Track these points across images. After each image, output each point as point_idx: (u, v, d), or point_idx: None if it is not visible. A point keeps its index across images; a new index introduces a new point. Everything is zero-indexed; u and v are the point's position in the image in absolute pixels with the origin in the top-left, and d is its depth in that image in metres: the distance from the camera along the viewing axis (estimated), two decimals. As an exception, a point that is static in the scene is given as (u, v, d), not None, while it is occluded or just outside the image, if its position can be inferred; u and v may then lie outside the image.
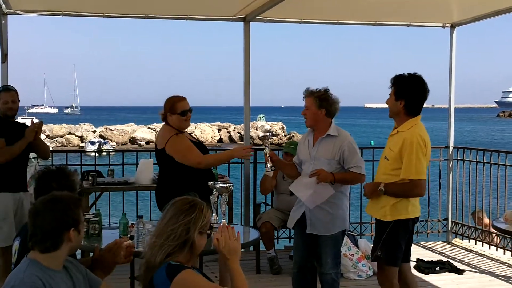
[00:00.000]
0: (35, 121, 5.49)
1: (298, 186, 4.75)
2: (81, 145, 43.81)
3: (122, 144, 44.89)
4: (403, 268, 4.44)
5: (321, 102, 4.64)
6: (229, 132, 50.52)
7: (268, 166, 4.66)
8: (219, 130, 51.13)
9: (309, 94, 4.70)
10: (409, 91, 4.20)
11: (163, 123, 4.95)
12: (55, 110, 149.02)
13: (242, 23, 7.26)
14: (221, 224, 2.93)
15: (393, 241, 4.24)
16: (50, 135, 44.60)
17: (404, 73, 4.26)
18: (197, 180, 4.78)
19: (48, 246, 2.70)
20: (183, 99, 4.91)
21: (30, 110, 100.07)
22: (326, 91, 4.71)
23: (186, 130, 5.02)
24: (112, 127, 48.27)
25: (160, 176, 5.07)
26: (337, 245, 4.76)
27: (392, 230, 4.23)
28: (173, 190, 4.64)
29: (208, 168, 5.01)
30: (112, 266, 3.20)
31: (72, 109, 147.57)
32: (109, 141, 43.57)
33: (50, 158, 6.50)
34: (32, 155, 5.83)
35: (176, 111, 4.84)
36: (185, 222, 2.79)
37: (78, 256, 5.61)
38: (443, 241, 8.09)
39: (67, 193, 2.90)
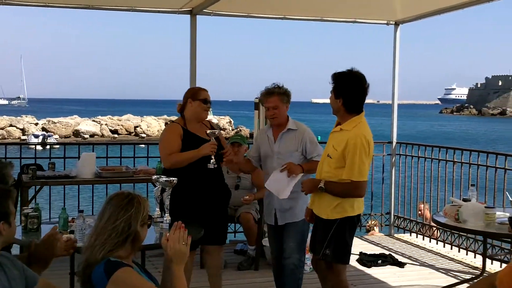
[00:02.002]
0: None
1: (272, 183, 4.70)
2: (23, 137, 42.75)
3: (66, 137, 44.01)
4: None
5: (287, 98, 4.78)
6: (175, 126, 50.15)
7: (212, 162, 4.63)
8: (166, 123, 50.62)
9: (274, 93, 4.75)
10: (347, 89, 4.16)
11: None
12: (5, 102, 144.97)
13: (189, 16, 7.20)
14: (175, 224, 2.85)
15: (340, 239, 4.24)
16: (-10, 127, 43.42)
17: (343, 70, 4.21)
18: (199, 177, 4.67)
19: None
20: (205, 90, 4.81)
21: None
22: (283, 86, 4.80)
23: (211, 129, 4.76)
24: (55, 119, 47.26)
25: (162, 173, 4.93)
26: (302, 231, 4.82)
27: (338, 228, 4.22)
28: (175, 187, 4.60)
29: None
30: (49, 259, 3.10)
31: (19, 101, 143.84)
32: (53, 134, 42.66)
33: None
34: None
35: (198, 97, 4.72)
36: (126, 218, 2.76)
37: (18, 252, 5.48)
38: (385, 235, 8.23)
39: None
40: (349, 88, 4.16)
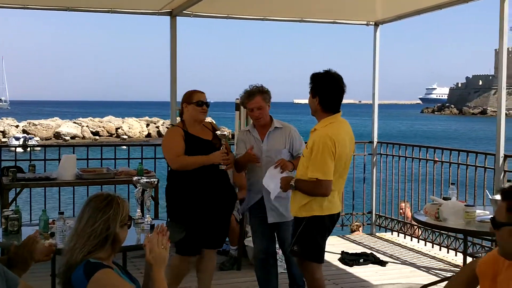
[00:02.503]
0: None
1: (268, 180, 4.70)
2: (3, 140, 42.38)
3: (47, 139, 43.73)
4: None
5: (268, 97, 4.87)
6: (157, 127, 50.03)
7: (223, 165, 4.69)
8: (148, 125, 50.57)
9: (256, 94, 4.79)
10: (323, 88, 4.19)
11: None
12: None
13: (169, 17, 7.19)
14: (157, 226, 2.85)
15: (308, 237, 4.26)
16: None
17: (320, 71, 4.24)
18: (203, 178, 4.67)
19: None
20: (200, 92, 4.83)
21: None
22: (262, 85, 4.88)
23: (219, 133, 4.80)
24: (36, 121, 46.94)
25: (168, 174, 4.95)
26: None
27: (306, 226, 4.24)
28: (175, 188, 4.70)
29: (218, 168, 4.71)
30: (29, 262, 3.08)
31: (1, 103, 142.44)
32: (34, 136, 42.35)
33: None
34: None
35: (192, 100, 4.76)
36: (104, 220, 2.76)
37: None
38: (367, 234, 8.28)
39: None
40: (325, 87, 4.19)
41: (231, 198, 4.94)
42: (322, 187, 4.12)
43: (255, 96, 4.78)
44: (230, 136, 5.51)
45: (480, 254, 6.52)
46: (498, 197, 5.27)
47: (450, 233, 6.91)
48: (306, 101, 4.43)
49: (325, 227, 4.33)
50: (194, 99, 4.77)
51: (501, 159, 6.17)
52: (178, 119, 5.85)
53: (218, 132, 4.71)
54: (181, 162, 4.66)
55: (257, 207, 4.92)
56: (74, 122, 47.86)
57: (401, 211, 8.13)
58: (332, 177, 4.12)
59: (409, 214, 7.85)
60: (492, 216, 2.58)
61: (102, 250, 2.77)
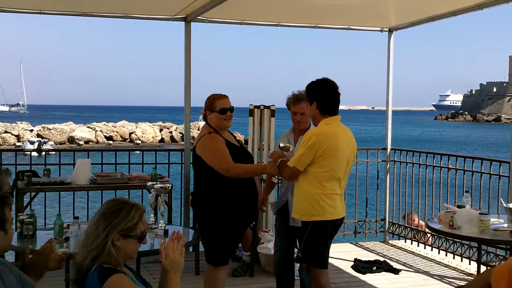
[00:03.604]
0: None
1: None
2: (18, 144, 42.65)
3: (61, 143, 43.92)
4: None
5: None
6: (170, 132, 50.12)
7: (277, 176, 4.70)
8: (161, 130, 50.66)
9: (303, 100, 4.88)
10: (318, 92, 4.39)
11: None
12: (6, 108, 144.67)
13: (183, 23, 7.22)
14: (173, 233, 2.86)
15: (311, 242, 4.33)
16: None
17: (314, 80, 4.47)
18: (233, 186, 4.55)
19: None
20: (223, 97, 4.64)
21: None
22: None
23: (233, 135, 4.84)
24: (50, 126, 47.17)
25: (195, 181, 4.79)
26: None
27: (311, 231, 4.31)
28: (208, 196, 4.58)
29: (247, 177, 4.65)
30: (43, 270, 3.12)
31: (18, 108, 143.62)
32: (48, 140, 42.58)
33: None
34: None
35: (215, 108, 4.57)
36: (105, 226, 2.76)
37: (12, 258, 5.48)
38: (380, 241, 8.24)
39: None
40: (321, 91, 4.40)
41: (256, 207, 4.89)
42: (286, 170, 4.35)
43: (301, 102, 4.94)
44: (243, 141, 5.54)
45: (494, 263, 6.47)
46: (513, 205, 5.26)
47: (464, 241, 6.86)
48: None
49: (326, 233, 4.38)
50: (216, 107, 4.58)
51: (516, 167, 6.12)
52: (201, 124, 5.83)
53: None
54: (238, 170, 4.50)
55: (283, 209, 5.04)
56: (88, 127, 48.04)
57: (414, 222, 8.02)
58: (302, 168, 4.28)
59: (421, 222, 7.80)
60: None
61: (107, 257, 2.76)
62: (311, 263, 4.40)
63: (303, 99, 4.87)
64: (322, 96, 4.37)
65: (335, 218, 4.37)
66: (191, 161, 7.05)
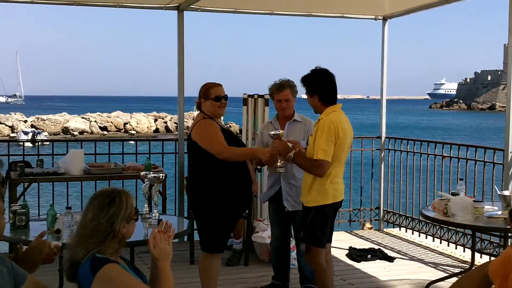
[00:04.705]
0: None
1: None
2: (12, 135, 42.56)
3: (55, 134, 43.86)
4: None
5: (295, 92, 5.12)
6: (165, 122, 50.09)
7: (279, 164, 4.64)
8: (155, 120, 50.62)
9: (286, 87, 5.07)
10: (317, 85, 4.45)
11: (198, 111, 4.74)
12: (4, 99, 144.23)
13: (176, 12, 7.18)
14: (161, 222, 2.93)
15: (314, 225, 4.46)
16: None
17: (308, 72, 4.50)
18: (227, 173, 4.57)
19: None
20: (218, 85, 4.70)
21: None
22: (292, 80, 5.12)
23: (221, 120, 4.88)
24: (44, 116, 47.06)
25: (189, 168, 4.83)
26: None
27: (314, 214, 4.45)
28: (202, 183, 4.59)
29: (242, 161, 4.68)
30: (36, 265, 3.11)
31: (15, 99, 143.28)
32: (42, 131, 42.49)
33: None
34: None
35: (209, 96, 4.62)
36: (108, 217, 2.79)
37: (7, 249, 5.45)
38: (375, 229, 8.25)
39: None
40: (319, 83, 4.46)
41: (251, 194, 4.94)
42: (319, 167, 4.33)
43: (285, 89, 5.07)
44: (238, 131, 5.56)
45: (488, 250, 6.49)
46: (506, 192, 5.27)
47: (458, 229, 6.88)
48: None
49: (328, 215, 4.52)
50: (211, 95, 4.63)
51: (510, 155, 6.11)
52: (195, 113, 5.81)
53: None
54: (231, 152, 4.52)
55: (276, 197, 5.15)
56: (82, 117, 47.97)
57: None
58: (331, 159, 4.31)
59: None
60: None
61: (107, 246, 2.79)
62: (312, 243, 4.50)
63: (286, 85, 5.06)
64: (322, 88, 4.46)
65: (337, 200, 4.52)
66: (185, 151, 7.07)
